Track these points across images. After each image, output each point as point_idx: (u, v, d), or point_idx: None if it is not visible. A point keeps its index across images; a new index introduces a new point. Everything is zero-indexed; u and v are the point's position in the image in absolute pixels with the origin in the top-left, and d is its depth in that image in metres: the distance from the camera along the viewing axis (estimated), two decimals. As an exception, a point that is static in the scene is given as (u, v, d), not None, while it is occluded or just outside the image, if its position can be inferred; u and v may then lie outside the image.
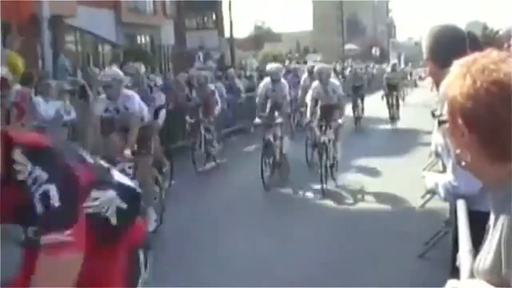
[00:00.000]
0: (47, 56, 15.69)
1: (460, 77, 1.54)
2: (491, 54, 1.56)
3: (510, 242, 1.48)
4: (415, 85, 42.64)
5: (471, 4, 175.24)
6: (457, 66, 1.59)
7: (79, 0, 21.04)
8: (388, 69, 21.66)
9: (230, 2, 28.94)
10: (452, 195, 3.07)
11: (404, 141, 15.53)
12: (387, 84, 20.10)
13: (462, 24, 3.68)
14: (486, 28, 55.84)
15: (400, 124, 19.41)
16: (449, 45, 3.17)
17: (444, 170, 3.36)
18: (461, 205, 2.68)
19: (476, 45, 3.26)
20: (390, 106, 19.86)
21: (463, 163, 1.60)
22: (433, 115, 2.60)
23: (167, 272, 5.70)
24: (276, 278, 6.04)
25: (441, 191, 3.17)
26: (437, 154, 3.42)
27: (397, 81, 20.55)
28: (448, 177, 3.09)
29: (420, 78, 47.45)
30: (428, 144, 12.57)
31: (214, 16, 38.83)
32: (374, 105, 21.05)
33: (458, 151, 1.60)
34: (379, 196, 9.53)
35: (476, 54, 1.58)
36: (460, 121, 1.53)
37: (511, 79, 1.48)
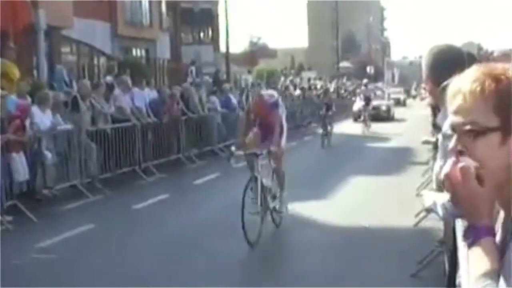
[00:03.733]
0: (42, 66, 15.69)
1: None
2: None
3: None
4: (389, 117, 29.82)
5: (466, 25, 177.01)
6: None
7: (76, 11, 21.08)
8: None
9: (227, 17, 29.03)
10: (451, 214, 3.06)
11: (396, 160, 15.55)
12: None
13: (457, 45, 3.72)
14: (481, 48, 56.35)
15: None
16: (448, 65, 3.18)
17: (439, 188, 3.36)
18: (460, 224, 2.67)
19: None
20: None
21: None
22: None
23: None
24: None
25: (440, 210, 3.16)
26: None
27: None
28: (447, 196, 3.08)
29: (399, 102, 39.48)
30: (422, 163, 12.39)
31: (210, 31, 38.98)
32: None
33: None
34: (372, 215, 9.51)
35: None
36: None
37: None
